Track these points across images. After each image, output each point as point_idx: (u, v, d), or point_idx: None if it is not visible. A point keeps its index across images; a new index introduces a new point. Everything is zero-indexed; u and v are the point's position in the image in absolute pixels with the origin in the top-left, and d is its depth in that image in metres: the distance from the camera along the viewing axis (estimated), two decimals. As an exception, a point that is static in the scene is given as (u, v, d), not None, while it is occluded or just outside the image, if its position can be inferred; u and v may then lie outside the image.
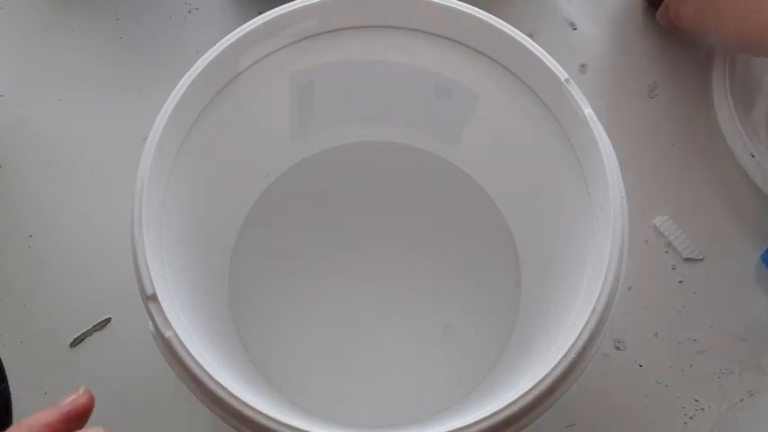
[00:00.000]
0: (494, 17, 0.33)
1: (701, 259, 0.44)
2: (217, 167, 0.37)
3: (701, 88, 0.48)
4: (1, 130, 0.46)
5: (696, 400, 0.41)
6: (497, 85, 0.36)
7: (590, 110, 0.31)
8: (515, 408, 0.26)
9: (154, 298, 0.28)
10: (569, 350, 0.27)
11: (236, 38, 0.32)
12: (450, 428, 0.26)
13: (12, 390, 0.40)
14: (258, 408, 0.26)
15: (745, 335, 0.43)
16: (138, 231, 0.29)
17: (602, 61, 0.49)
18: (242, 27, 0.33)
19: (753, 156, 0.44)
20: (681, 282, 0.44)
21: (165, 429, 0.40)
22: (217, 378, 0.27)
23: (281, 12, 0.33)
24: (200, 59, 0.32)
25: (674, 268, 0.44)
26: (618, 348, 0.42)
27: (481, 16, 0.33)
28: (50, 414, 0.25)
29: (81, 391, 0.27)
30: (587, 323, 0.28)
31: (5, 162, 0.45)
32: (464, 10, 0.33)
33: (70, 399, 0.26)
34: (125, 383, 0.40)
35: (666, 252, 0.44)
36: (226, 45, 0.32)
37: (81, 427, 0.26)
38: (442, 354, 0.41)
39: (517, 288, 0.43)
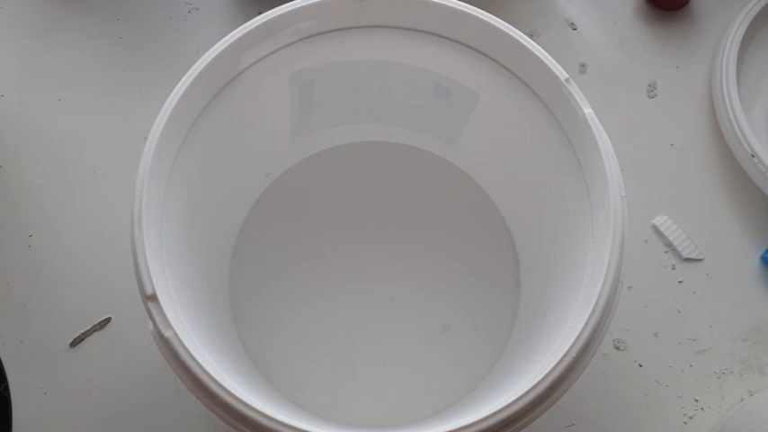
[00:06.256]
0: (494, 17, 0.33)
1: (701, 259, 0.44)
2: (217, 167, 0.37)
3: (700, 88, 0.48)
4: (1, 130, 0.46)
5: (696, 400, 0.41)
6: (497, 86, 0.36)
7: (590, 110, 0.31)
8: (515, 408, 0.26)
9: (153, 298, 0.28)
10: (569, 350, 0.27)
11: (236, 38, 0.32)
12: (450, 428, 0.26)
13: (12, 390, 0.40)
14: (258, 408, 0.26)
15: (746, 335, 0.43)
16: (138, 231, 0.29)
17: (602, 61, 0.49)
18: (242, 27, 0.33)
19: (753, 156, 0.44)
20: (681, 282, 0.44)
21: (165, 429, 0.40)
22: (217, 378, 0.26)
23: (281, 12, 0.33)
24: (200, 59, 0.32)
25: (673, 268, 0.44)
26: (618, 348, 0.42)
27: (481, 16, 0.33)
28: None
29: None
30: (587, 323, 0.27)
31: (5, 162, 0.45)
32: (464, 10, 0.33)
33: None
34: (125, 383, 0.40)
35: (666, 252, 0.44)
36: (226, 45, 0.32)
37: None
38: (442, 354, 0.41)
39: (517, 288, 0.43)
